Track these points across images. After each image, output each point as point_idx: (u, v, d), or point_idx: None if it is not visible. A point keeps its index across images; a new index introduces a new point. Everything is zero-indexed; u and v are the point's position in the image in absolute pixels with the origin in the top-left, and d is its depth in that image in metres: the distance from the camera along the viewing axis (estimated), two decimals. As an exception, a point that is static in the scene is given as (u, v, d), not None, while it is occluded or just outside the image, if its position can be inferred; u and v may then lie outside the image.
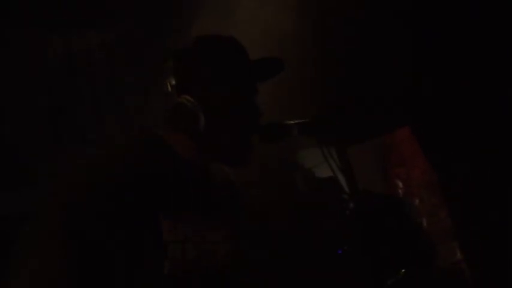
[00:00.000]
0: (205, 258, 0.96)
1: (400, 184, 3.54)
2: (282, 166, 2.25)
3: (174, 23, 2.30)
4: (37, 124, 1.99)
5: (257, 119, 1.07)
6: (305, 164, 2.38)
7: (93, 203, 0.83)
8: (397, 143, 4.23)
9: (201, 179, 1.03)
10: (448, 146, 2.46)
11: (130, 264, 0.84)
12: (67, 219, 0.81)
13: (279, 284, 1.92)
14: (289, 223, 2.15)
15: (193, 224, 0.97)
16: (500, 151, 2.21)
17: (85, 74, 2.04)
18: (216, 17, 2.36)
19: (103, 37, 2.14)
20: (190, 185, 0.98)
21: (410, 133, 4.12)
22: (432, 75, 2.42)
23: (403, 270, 1.79)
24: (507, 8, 2.12)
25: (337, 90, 2.70)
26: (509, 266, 2.16)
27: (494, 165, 2.24)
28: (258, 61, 1.07)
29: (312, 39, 2.58)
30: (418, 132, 2.70)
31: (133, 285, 0.84)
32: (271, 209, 2.10)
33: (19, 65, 2.01)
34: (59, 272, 0.79)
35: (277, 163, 2.24)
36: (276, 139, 1.43)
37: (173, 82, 1.02)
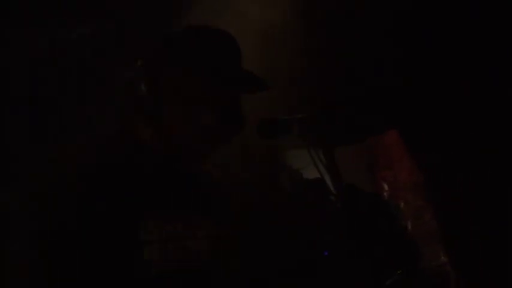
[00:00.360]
0: (187, 257, 0.95)
1: (386, 187, 3.56)
2: (270, 166, 2.25)
3: (165, 19, 2.29)
4: (19, 119, 1.96)
5: (230, 121, 1.05)
6: (292, 165, 2.38)
7: (65, 205, 0.82)
8: (386, 145, 4.25)
9: (172, 174, 1.01)
10: (436, 148, 2.48)
11: (108, 267, 0.82)
12: (42, 222, 0.80)
13: (262, 283, 1.92)
14: (273, 224, 2.14)
15: (174, 223, 0.95)
16: (488, 154, 2.23)
17: (72, 69, 2.02)
18: (209, 11, 2.35)
19: (93, 31, 2.13)
20: (163, 182, 0.96)
21: (398, 136, 4.14)
22: (423, 77, 2.44)
23: (399, 271, 1.79)
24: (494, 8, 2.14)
25: (327, 86, 2.70)
26: (492, 268, 2.18)
27: (482, 168, 2.26)
28: (245, 72, 1.05)
29: (301, 33, 2.58)
30: (406, 134, 2.71)
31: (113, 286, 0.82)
32: (256, 209, 2.10)
33: (3, 59, 1.99)
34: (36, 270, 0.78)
35: (265, 163, 2.23)
36: (275, 135, 1.41)
37: (148, 71, 0.99)
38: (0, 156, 1.88)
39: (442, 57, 2.40)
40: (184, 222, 0.98)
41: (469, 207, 2.33)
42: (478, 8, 2.16)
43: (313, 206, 2.45)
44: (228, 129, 1.05)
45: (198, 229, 1.01)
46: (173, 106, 0.98)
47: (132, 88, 0.95)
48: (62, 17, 2.10)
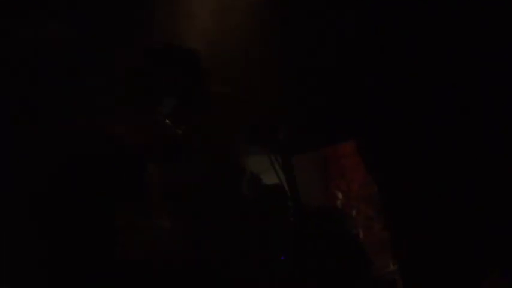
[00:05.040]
0: (155, 243, 0.95)
1: (340, 195, 3.64)
2: (231, 169, 2.25)
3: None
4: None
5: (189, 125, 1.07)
6: (252, 169, 2.39)
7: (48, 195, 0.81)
8: (339, 155, 4.35)
9: (144, 166, 1.01)
10: (391, 160, 2.55)
11: (82, 250, 0.82)
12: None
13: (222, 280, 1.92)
14: (231, 225, 2.15)
15: (144, 211, 0.95)
16: (445, 165, 2.32)
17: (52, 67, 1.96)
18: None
19: (70, 30, 2.07)
20: (135, 174, 0.96)
21: (351, 147, 4.25)
22: (382, 85, 2.51)
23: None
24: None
25: (287, 92, 2.72)
26: (440, 278, 2.26)
27: (437, 179, 2.35)
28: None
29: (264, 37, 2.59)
30: (362, 146, 2.77)
31: (86, 270, 0.81)
32: (215, 209, 2.09)
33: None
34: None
35: (226, 165, 2.23)
36: (265, 140, 1.42)
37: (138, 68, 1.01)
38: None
39: (394, 66, 2.47)
40: (154, 210, 0.98)
41: (419, 216, 2.42)
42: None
43: (271, 211, 2.47)
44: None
45: (167, 217, 1.01)
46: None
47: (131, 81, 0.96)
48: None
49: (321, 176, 3.96)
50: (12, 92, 1.80)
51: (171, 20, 2.33)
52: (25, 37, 1.96)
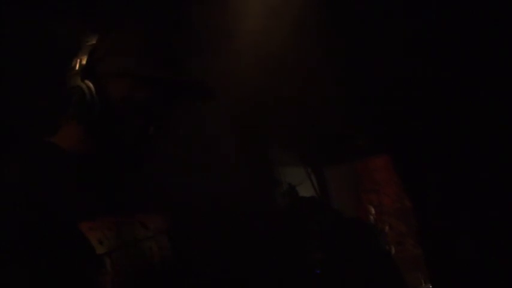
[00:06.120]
0: (142, 257, 0.94)
1: (372, 210, 3.61)
2: (267, 178, 2.27)
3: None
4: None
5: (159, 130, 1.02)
6: (288, 180, 2.41)
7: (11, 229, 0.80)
8: (371, 169, 4.33)
9: (108, 179, 0.99)
10: (426, 175, 2.52)
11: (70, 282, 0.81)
12: None
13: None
14: (266, 236, 2.16)
15: (125, 227, 0.93)
16: (482, 182, 2.28)
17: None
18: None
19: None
20: (100, 188, 0.94)
21: (384, 161, 4.22)
22: (428, 100, 2.48)
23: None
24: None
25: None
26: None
27: (475, 196, 2.31)
28: (189, 79, 1.02)
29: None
30: (397, 160, 2.75)
31: None
32: (251, 221, 2.11)
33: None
34: None
35: (262, 175, 2.25)
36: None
37: (83, 61, 0.97)
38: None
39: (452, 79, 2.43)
40: (132, 225, 0.96)
41: (454, 233, 2.38)
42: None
43: (306, 223, 2.47)
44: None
45: (147, 227, 0.99)
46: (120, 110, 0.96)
47: (79, 95, 0.92)
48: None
49: (355, 189, 3.95)
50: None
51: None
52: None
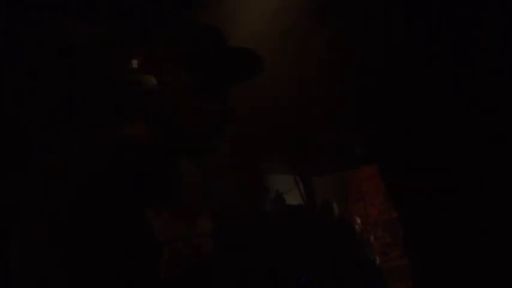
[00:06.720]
0: (195, 252, 0.96)
1: (358, 220, 3.63)
2: (257, 185, 2.28)
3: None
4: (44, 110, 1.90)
5: (226, 116, 1.03)
6: (276, 188, 2.42)
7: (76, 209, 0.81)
8: (357, 179, 4.36)
9: (171, 171, 1.01)
10: (413, 187, 2.54)
11: (124, 268, 0.83)
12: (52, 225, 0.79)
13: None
14: (253, 243, 2.16)
15: (179, 220, 0.96)
16: (471, 194, 2.31)
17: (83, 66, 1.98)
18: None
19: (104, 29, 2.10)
20: (162, 180, 0.96)
21: (370, 171, 4.25)
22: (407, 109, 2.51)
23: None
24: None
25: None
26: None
27: (462, 208, 2.33)
28: (237, 57, 1.04)
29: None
30: (386, 169, 2.77)
31: None
32: (237, 228, 2.12)
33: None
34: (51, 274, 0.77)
35: (252, 181, 2.26)
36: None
37: (137, 63, 0.99)
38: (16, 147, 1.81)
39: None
40: (185, 219, 0.99)
41: (440, 245, 2.40)
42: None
43: (293, 230, 2.48)
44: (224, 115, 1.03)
45: (197, 226, 1.01)
46: (180, 99, 0.98)
47: (133, 87, 0.94)
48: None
49: (343, 198, 3.97)
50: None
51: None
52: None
